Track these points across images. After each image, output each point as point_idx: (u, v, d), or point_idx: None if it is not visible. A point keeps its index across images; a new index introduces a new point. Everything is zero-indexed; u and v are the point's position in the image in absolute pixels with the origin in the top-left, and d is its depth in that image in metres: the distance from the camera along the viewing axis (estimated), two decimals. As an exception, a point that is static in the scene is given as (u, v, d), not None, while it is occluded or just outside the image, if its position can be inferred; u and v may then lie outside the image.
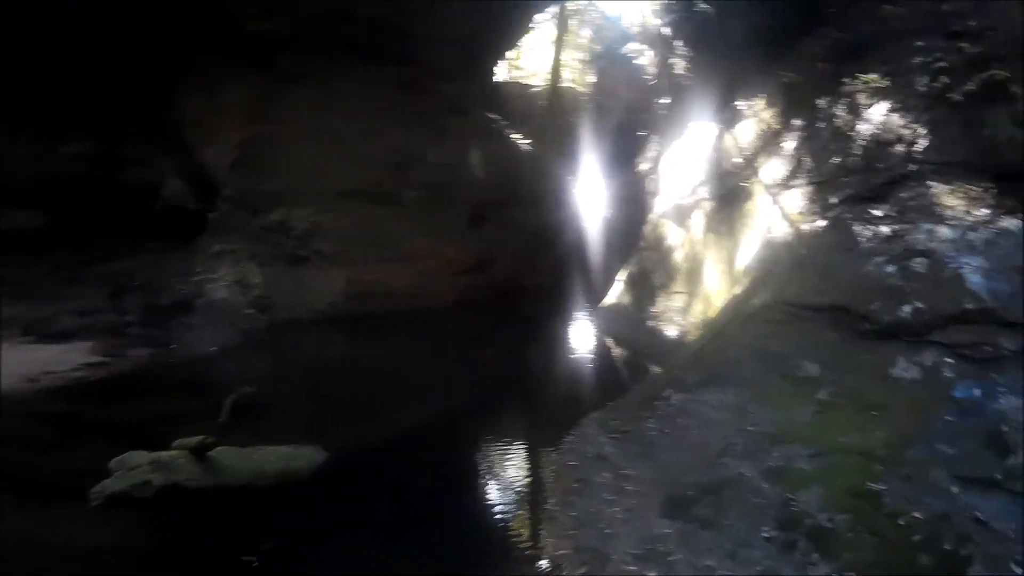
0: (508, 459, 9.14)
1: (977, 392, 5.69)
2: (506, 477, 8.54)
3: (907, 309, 6.73)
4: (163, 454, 7.39)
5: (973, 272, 6.47)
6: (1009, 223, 6.59)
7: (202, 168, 14.51)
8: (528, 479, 8.43)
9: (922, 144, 7.91)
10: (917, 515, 4.88)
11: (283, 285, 13.58)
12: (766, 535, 5.25)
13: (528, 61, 30.21)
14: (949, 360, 6.13)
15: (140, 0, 12.60)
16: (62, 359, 10.78)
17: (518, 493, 8.00)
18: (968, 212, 6.98)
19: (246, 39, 14.15)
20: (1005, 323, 5.98)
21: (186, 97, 14.48)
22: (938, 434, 5.54)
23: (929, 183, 7.56)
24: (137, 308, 12.56)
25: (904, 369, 6.35)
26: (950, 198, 7.24)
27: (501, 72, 26.16)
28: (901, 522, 4.88)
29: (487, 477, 8.59)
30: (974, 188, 7.09)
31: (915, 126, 8.07)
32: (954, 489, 5.01)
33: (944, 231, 7.01)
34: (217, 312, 12.84)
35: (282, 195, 14.25)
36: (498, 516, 7.35)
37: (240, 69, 14.52)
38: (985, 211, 6.84)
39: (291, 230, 13.96)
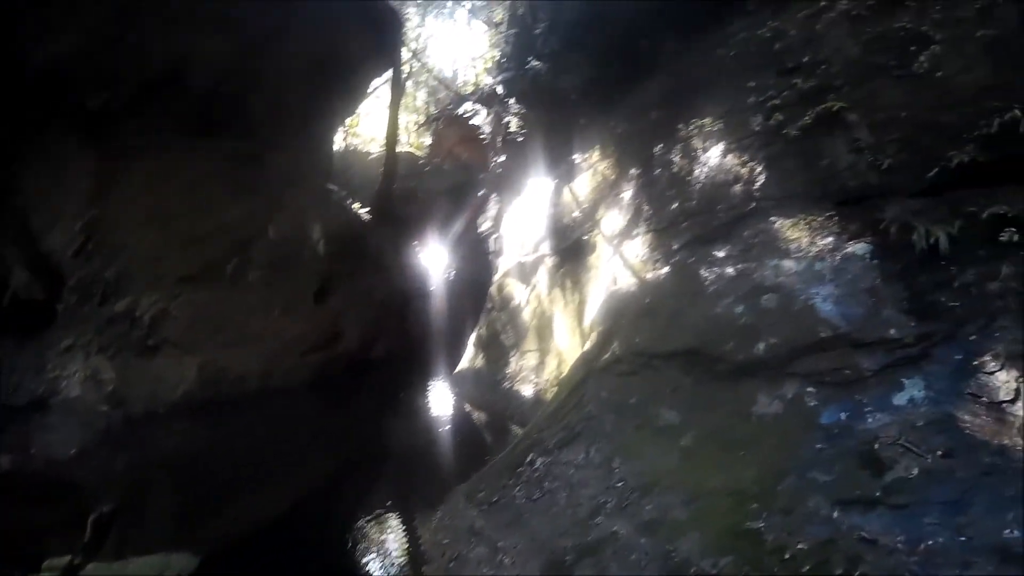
0: (379, 542, 9.01)
1: (843, 416, 5.70)
2: (381, 562, 8.41)
3: (761, 346, 6.78)
4: (34, 581, 7.14)
5: (824, 301, 6.61)
6: (855, 247, 6.76)
7: (47, 256, 13.48)
8: (404, 561, 8.32)
9: (761, 181, 8.11)
10: (802, 546, 4.78)
11: (136, 377, 12.89)
12: (652, 590, 5.01)
13: (366, 127, 30.21)
14: (811, 389, 6.15)
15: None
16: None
17: (396, 576, 7.85)
18: (813, 242, 7.15)
19: (84, 114, 13.33)
20: (862, 344, 6.07)
21: (27, 181, 13.47)
22: (810, 463, 5.50)
23: (771, 219, 7.74)
24: (-7, 410, 11.61)
25: (766, 404, 6.34)
26: (794, 231, 7.42)
27: (339, 140, 25.91)
28: (787, 555, 4.77)
29: (361, 563, 8.44)
30: (817, 218, 7.27)
31: (752, 164, 8.29)
32: (835, 514, 4.93)
33: (790, 264, 7.17)
34: (73, 410, 12.07)
35: (127, 282, 13.51)
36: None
37: (79, 147, 13.66)
38: (830, 239, 7.02)
39: (138, 319, 13.26)
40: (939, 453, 4.94)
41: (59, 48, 12.22)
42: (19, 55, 11.91)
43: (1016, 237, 5.72)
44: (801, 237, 7.29)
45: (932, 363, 5.59)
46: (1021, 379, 5.00)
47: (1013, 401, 4.94)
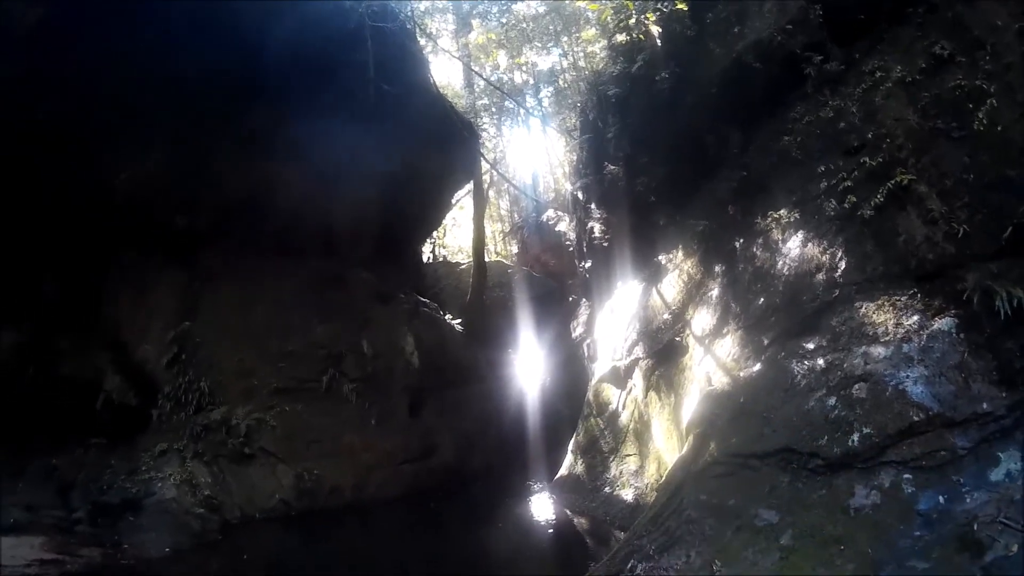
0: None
1: (941, 499, 5.62)
2: None
3: (855, 438, 6.71)
4: None
5: (914, 383, 6.56)
6: (940, 323, 6.74)
7: (141, 365, 14.59)
8: None
9: (842, 267, 8.15)
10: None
11: (232, 484, 13.55)
12: None
13: (453, 238, 31.25)
14: (907, 476, 6.08)
15: (56, 194, 12.93)
16: (13, 553, 10.24)
17: None
18: (899, 324, 7.12)
19: (168, 234, 14.62)
20: (955, 423, 6.01)
21: (117, 292, 14.70)
22: (908, 552, 5.43)
23: (856, 304, 7.74)
24: (84, 505, 12.14)
25: (863, 496, 6.27)
26: (879, 314, 7.40)
27: (427, 252, 26.90)
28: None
29: None
30: (900, 297, 7.27)
31: (832, 250, 8.35)
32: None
33: (879, 350, 7.14)
34: (167, 512, 12.52)
35: (221, 393, 14.47)
36: None
37: (165, 264, 14.98)
38: (915, 318, 6.99)
39: (234, 427, 14.02)
40: (1038, 525, 4.83)
41: (139, 173, 13.53)
42: (106, 176, 13.25)
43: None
44: (887, 320, 7.28)
45: (1026, 431, 5.49)
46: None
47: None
